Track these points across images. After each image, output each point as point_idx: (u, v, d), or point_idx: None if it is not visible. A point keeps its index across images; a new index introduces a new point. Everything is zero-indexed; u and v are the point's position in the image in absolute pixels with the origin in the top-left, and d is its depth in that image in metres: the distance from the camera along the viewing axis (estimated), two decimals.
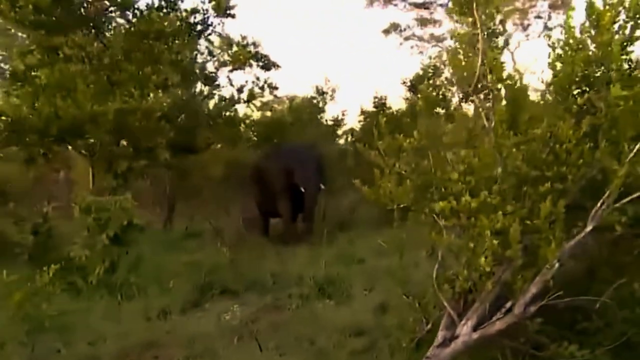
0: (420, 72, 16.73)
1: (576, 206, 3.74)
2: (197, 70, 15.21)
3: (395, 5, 21.00)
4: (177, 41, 12.45)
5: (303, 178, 11.46)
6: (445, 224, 3.84)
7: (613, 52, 3.78)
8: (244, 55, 15.08)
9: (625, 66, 4.05)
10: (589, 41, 4.11)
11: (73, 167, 16.54)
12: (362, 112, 16.16)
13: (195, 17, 13.14)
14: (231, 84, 15.70)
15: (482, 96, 4.24)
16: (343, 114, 16.37)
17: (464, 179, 3.74)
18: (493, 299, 3.59)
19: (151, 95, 12.16)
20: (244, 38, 15.32)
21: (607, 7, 3.95)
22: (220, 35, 15.12)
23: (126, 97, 10.27)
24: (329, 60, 42.54)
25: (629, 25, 4.01)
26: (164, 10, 12.09)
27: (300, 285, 7.63)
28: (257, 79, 15.63)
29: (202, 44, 15.18)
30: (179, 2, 12.51)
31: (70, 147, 11.84)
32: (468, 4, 4.09)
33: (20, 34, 12.51)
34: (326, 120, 16.62)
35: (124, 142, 11.15)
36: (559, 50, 4.22)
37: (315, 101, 16.08)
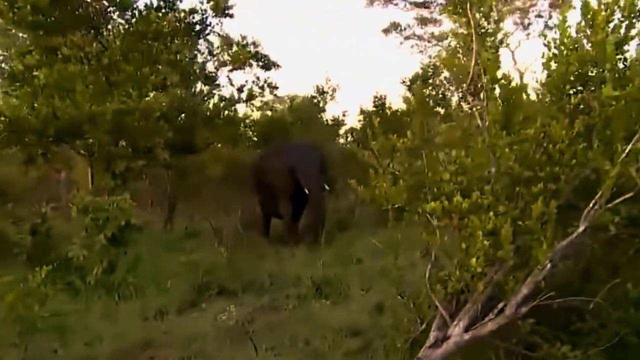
0: (420, 72, 16.73)
1: (570, 206, 3.73)
2: (197, 70, 15.23)
3: (396, 4, 20.94)
4: (176, 41, 12.47)
5: (306, 178, 11.16)
6: (438, 225, 3.83)
7: (607, 52, 3.76)
8: (244, 55, 15.10)
9: (621, 66, 4.05)
10: (584, 40, 4.10)
11: (74, 168, 16.58)
12: (362, 112, 16.18)
13: (193, 17, 13.15)
14: (231, 84, 15.75)
15: (475, 96, 4.23)
16: (344, 114, 16.38)
17: (455, 179, 3.73)
18: (485, 300, 3.58)
19: (150, 95, 12.20)
20: (243, 38, 15.38)
21: (602, 6, 3.94)
22: (219, 35, 15.14)
23: (124, 98, 10.26)
24: (329, 59, 42.66)
25: (623, 25, 3.99)
26: (163, 11, 12.10)
27: (298, 285, 7.62)
28: (257, 78, 15.69)
29: (202, 43, 15.25)
30: (178, 3, 12.53)
31: (69, 148, 11.82)
32: (462, 3, 4.07)
33: (20, 34, 12.50)
34: (326, 120, 16.63)
35: (122, 143, 11.13)
36: (554, 50, 4.21)
37: (315, 101, 16.07)
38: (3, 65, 17.33)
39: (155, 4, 12.11)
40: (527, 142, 3.74)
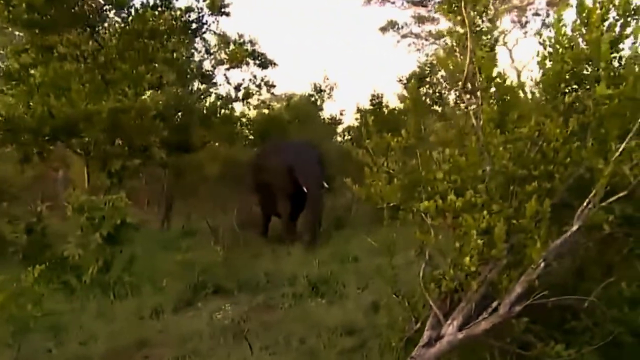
0: (417, 70, 16.73)
1: (564, 205, 3.73)
2: (194, 69, 15.21)
3: (393, 3, 20.94)
4: (172, 39, 12.45)
5: (305, 177, 11.06)
6: (432, 224, 3.82)
7: (601, 50, 3.75)
8: (241, 53, 15.09)
9: (616, 64, 4.04)
10: (579, 39, 4.10)
11: (71, 166, 16.56)
12: (359, 111, 16.16)
13: (190, 16, 13.12)
14: (228, 82, 15.74)
15: (470, 95, 4.22)
16: (341, 113, 16.37)
17: (449, 178, 3.72)
18: (479, 299, 3.57)
19: (147, 93, 12.19)
20: (240, 36, 15.36)
21: (597, 5, 3.93)
22: (216, 33, 15.12)
23: (120, 96, 10.24)
24: (326, 58, 42.65)
25: (618, 24, 3.99)
26: (159, 9, 12.07)
27: (294, 284, 7.62)
28: (254, 77, 15.67)
29: (199, 42, 15.23)
30: (174, 1, 12.50)
31: (65, 146, 11.79)
32: (457, 2, 4.06)
33: (16, 32, 12.46)
34: (324, 119, 16.62)
35: (118, 141, 11.11)
36: (549, 48, 4.20)
37: (313, 99, 16.05)
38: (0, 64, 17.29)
39: (151, 3, 12.08)
40: (521, 141, 3.74)
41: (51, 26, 11.01)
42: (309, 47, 49.08)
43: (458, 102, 14.83)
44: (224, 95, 15.45)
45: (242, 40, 15.31)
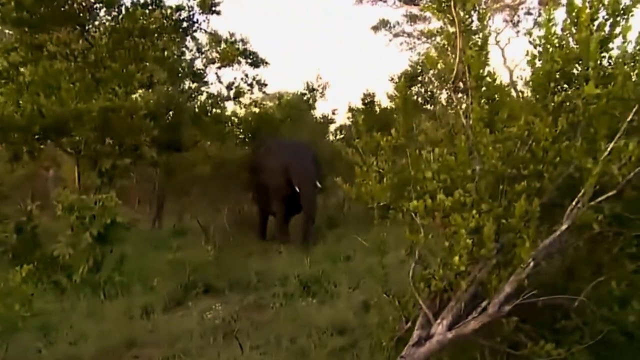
0: (409, 69, 16.73)
1: (553, 204, 3.73)
2: (185, 68, 15.14)
3: (385, 1, 20.92)
4: (163, 38, 12.39)
5: (299, 177, 11.00)
6: (422, 223, 3.81)
7: (590, 50, 3.75)
8: (232, 52, 15.02)
9: (605, 63, 4.05)
10: (569, 38, 4.10)
11: (62, 165, 16.48)
12: (351, 110, 16.15)
13: (180, 14, 13.05)
14: (220, 81, 15.67)
15: (461, 94, 4.22)
16: (333, 112, 16.34)
17: (438, 177, 3.72)
18: (469, 298, 3.57)
19: (138, 92, 12.12)
20: (232, 35, 15.28)
21: (586, 4, 3.93)
22: (207, 32, 15.06)
23: (111, 95, 10.17)
24: (318, 57, 42.65)
25: (608, 23, 3.99)
26: (149, 8, 12.00)
27: (285, 283, 7.62)
28: (246, 75, 15.62)
29: (190, 41, 15.16)
30: None
31: (56, 145, 11.72)
32: (446, 1, 4.06)
33: (6, 31, 12.36)
34: (316, 118, 16.59)
35: (109, 140, 11.04)
36: (539, 48, 4.20)
37: (305, 98, 16.00)
38: None
39: (141, 1, 12.00)
40: (511, 140, 3.74)
41: (41, 24, 10.92)
42: (301, 45, 49.13)
43: (449, 101, 14.89)
44: (216, 94, 15.40)
45: (233, 38, 15.23)
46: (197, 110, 14.48)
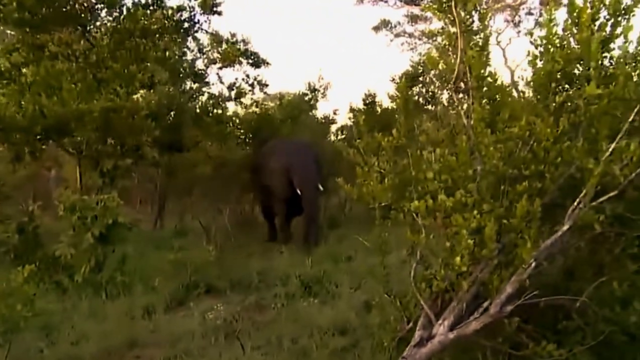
0: (410, 69, 16.73)
1: (555, 205, 3.73)
2: (186, 68, 15.16)
3: (386, 2, 20.94)
4: (164, 38, 12.40)
5: (300, 179, 10.85)
6: (424, 223, 3.82)
7: (591, 50, 3.75)
8: (234, 52, 15.02)
9: (606, 63, 4.04)
10: (570, 38, 4.10)
11: (64, 166, 16.51)
12: (351, 110, 16.15)
13: (181, 15, 13.06)
14: (221, 82, 15.69)
15: (462, 94, 4.23)
16: (334, 112, 16.33)
17: (439, 177, 3.72)
18: (470, 299, 3.57)
19: (140, 92, 12.14)
20: (233, 35, 15.29)
21: (588, 4, 3.93)
22: (209, 32, 15.07)
23: (112, 95, 10.19)
24: (319, 57, 42.68)
25: (609, 23, 3.99)
26: (150, 8, 12.01)
27: (286, 284, 7.62)
28: (247, 76, 15.62)
29: (192, 41, 15.18)
30: (165, 0, 12.43)
31: (57, 146, 11.74)
32: (447, 1, 4.06)
33: (8, 31, 12.38)
34: (317, 118, 16.58)
35: (111, 141, 11.06)
36: (540, 48, 4.20)
37: (306, 98, 15.99)
38: None
39: (143, 2, 12.02)
40: (512, 141, 3.74)
41: (42, 25, 10.94)
42: (302, 46, 49.17)
43: (450, 101, 14.88)
44: (217, 94, 15.41)
45: (234, 39, 15.24)
46: (198, 110, 14.50)
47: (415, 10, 20.69)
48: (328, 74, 19.82)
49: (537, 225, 3.39)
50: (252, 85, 15.63)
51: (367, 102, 15.90)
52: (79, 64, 11.01)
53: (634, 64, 3.94)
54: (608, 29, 3.97)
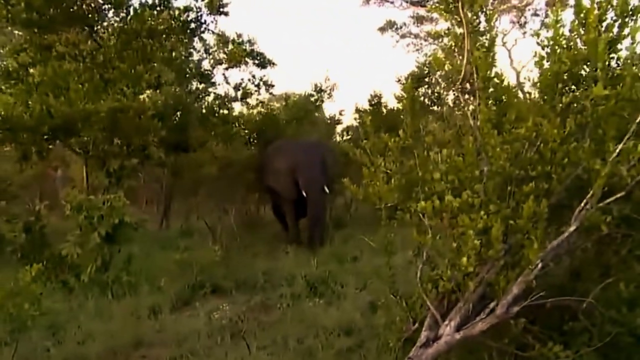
0: (416, 70, 16.73)
1: (562, 206, 3.73)
2: (193, 68, 15.20)
3: (392, 3, 20.94)
4: (171, 39, 12.43)
5: (306, 180, 10.77)
6: (430, 224, 3.81)
7: (598, 51, 3.74)
8: (240, 53, 15.07)
9: (613, 64, 4.03)
10: (577, 39, 4.09)
11: (71, 165, 16.58)
12: (357, 111, 16.15)
13: (188, 15, 13.09)
14: (227, 82, 15.73)
15: (468, 95, 4.22)
16: (340, 113, 16.33)
17: (446, 178, 3.72)
18: (477, 299, 3.57)
19: (146, 93, 12.17)
20: (239, 36, 15.34)
21: (595, 5, 3.92)
22: (215, 33, 15.11)
23: (119, 96, 10.22)
24: (325, 58, 42.70)
25: (616, 24, 3.98)
26: (157, 9, 12.04)
27: (292, 284, 7.63)
28: (253, 76, 15.66)
29: (198, 41, 15.22)
30: (172, 0, 12.46)
31: (64, 146, 11.78)
32: (454, 2, 4.06)
33: (16, 32, 12.44)
34: (323, 119, 16.59)
35: (117, 141, 11.08)
36: (547, 49, 4.19)
37: (312, 99, 16.00)
38: None
39: (150, 2, 12.05)
40: (518, 142, 3.73)
41: (50, 25, 10.99)
42: (308, 46, 49.17)
43: (456, 102, 14.89)
44: (223, 95, 15.45)
45: (240, 39, 15.30)
46: (204, 111, 14.55)
47: (421, 11, 20.71)
48: (334, 74, 19.85)
49: (543, 226, 3.39)
50: (258, 85, 15.68)
51: (373, 102, 15.90)
52: (86, 64, 11.05)
53: None
54: (615, 30, 3.96)
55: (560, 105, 3.82)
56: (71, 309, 6.85)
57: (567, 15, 4.12)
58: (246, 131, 14.82)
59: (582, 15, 3.98)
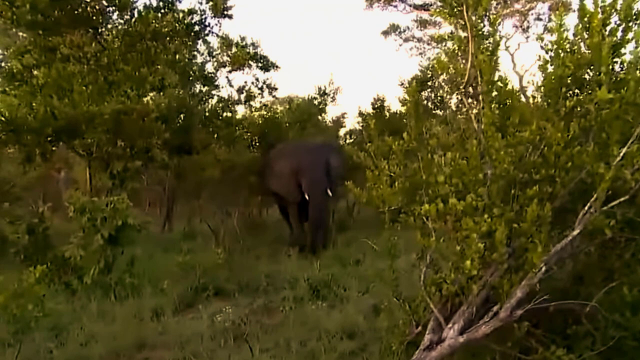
0: (419, 74, 16.75)
1: (565, 209, 3.73)
2: (196, 71, 15.23)
3: (395, 6, 20.95)
4: (175, 42, 12.46)
5: (308, 183, 10.66)
6: (434, 227, 3.81)
7: (602, 55, 3.75)
8: (243, 55, 15.09)
9: (617, 68, 4.04)
10: (581, 43, 4.09)
11: (74, 167, 16.59)
12: (360, 114, 16.17)
13: (192, 18, 13.12)
14: (230, 85, 15.75)
15: (472, 99, 4.23)
16: (343, 116, 16.35)
17: (450, 181, 3.72)
18: (480, 303, 3.57)
19: (150, 95, 12.20)
20: (243, 39, 15.36)
21: (599, 9, 3.92)
22: (219, 36, 15.14)
23: (123, 98, 10.24)
24: (328, 61, 42.75)
25: (620, 28, 3.98)
26: (162, 11, 12.08)
27: (295, 287, 7.61)
28: (257, 79, 15.69)
29: (202, 44, 15.25)
30: (177, 3, 12.50)
31: (67, 147, 11.80)
32: (458, 5, 4.07)
33: (20, 33, 12.49)
34: (326, 122, 16.60)
35: (121, 143, 11.10)
36: (550, 53, 4.19)
37: (316, 102, 16.01)
38: (2, 64, 17.34)
39: (154, 5, 12.09)
40: (522, 145, 3.73)
41: (54, 27, 11.03)
42: (311, 50, 49.24)
43: (460, 105, 14.89)
44: (226, 97, 15.48)
45: (244, 42, 15.31)
46: (207, 113, 14.58)
47: (424, 15, 20.71)
48: (337, 78, 19.82)
49: (547, 229, 3.39)
50: (261, 88, 15.71)
51: (376, 106, 15.92)
52: (90, 66, 11.09)
53: None
54: (619, 34, 3.96)
55: (564, 109, 3.82)
56: (74, 310, 6.86)
57: (570, 20, 4.13)
58: (249, 134, 14.83)
59: (586, 19, 3.98)
